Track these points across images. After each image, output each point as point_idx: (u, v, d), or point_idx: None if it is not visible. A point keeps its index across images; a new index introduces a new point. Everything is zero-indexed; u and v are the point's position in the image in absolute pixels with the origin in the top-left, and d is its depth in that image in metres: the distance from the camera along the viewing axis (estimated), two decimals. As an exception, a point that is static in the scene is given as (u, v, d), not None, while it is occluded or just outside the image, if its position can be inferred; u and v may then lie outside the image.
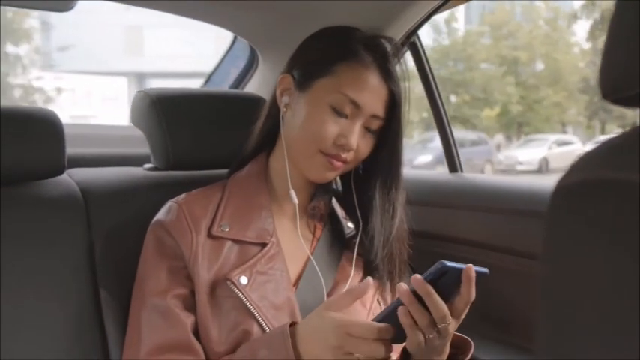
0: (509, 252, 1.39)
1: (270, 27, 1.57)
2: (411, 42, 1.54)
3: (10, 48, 12.77)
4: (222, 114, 1.27)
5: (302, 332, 0.90)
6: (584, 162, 0.46)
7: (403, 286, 0.86)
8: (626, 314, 0.39)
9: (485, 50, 14.68)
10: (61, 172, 1.15)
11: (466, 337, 1.02)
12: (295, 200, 1.05)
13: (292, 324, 0.92)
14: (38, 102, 12.79)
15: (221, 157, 1.25)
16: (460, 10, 16.37)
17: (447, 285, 0.85)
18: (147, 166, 1.27)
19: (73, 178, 1.22)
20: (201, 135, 1.23)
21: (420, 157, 11.80)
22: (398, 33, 1.48)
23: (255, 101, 1.31)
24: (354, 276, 1.07)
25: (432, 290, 0.83)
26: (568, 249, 0.44)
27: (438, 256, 1.51)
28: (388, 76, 1.02)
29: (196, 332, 0.98)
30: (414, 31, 1.51)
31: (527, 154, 12.45)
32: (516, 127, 14.90)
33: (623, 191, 0.40)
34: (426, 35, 14.95)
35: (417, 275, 0.84)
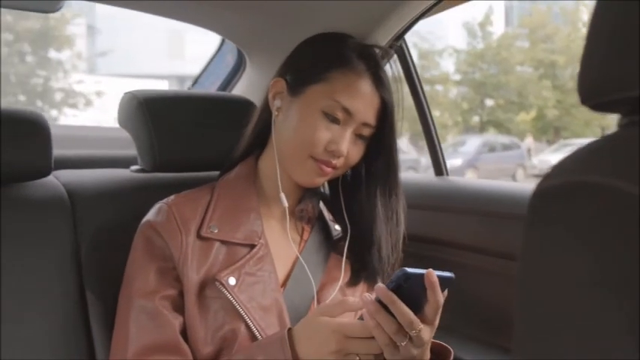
0: (495, 254, 1.39)
1: (258, 30, 1.57)
2: (398, 46, 1.54)
3: (52, 53, 13.11)
4: (209, 116, 1.27)
5: (298, 338, 0.92)
6: (564, 165, 0.47)
7: (367, 296, 0.88)
8: (603, 316, 0.39)
9: (521, 53, 14.43)
10: (47, 173, 1.15)
11: (445, 344, 1.02)
12: (285, 203, 1.07)
13: (288, 330, 0.93)
14: (79, 105, 13.06)
15: (208, 160, 1.26)
16: (500, 12, 16.14)
17: (414, 291, 0.85)
18: (134, 167, 1.28)
19: (59, 179, 1.22)
20: (188, 137, 1.23)
21: (450, 161, 11.49)
22: (385, 36, 1.48)
23: (242, 104, 1.32)
24: (342, 278, 1.09)
25: (396, 298, 0.84)
26: (546, 251, 0.45)
27: (423, 258, 1.52)
28: (381, 85, 1.04)
29: (184, 333, 0.99)
30: (400, 35, 1.51)
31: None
32: (553, 131, 14.59)
33: (601, 195, 0.41)
34: (460, 39, 14.82)
35: (380, 284, 0.86)
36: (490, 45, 14.56)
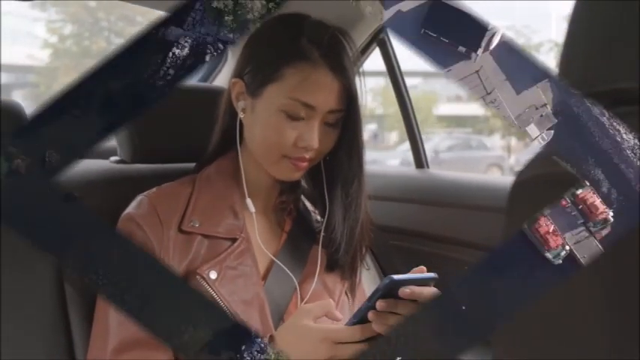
0: (472, 246, 1.39)
1: (239, 21, 1.53)
2: (379, 39, 1.54)
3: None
4: (189, 107, 1.25)
5: (281, 344, 0.91)
6: (537, 158, 0.48)
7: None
8: (584, 308, 0.41)
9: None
10: None
11: None
12: (252, 209, 1.05)
13: (270, 337, 0.93)
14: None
15: (187, 151, 1.23)
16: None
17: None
18: (113, 158, 1.26)
19: None
20: (167, 128, 1.21)
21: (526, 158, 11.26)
22: (367, 29, 1.47)
23: (223, 95, 1.32)
24: (319, 269, 1.08)
25: (395, 301, 0.87)
26: None
27: (404, 250, 1.52)
28: (338, 70, 0.99)
29: None
30: (383, 28, 1.49)
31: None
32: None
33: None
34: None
35: (381, 301, 0.87)
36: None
